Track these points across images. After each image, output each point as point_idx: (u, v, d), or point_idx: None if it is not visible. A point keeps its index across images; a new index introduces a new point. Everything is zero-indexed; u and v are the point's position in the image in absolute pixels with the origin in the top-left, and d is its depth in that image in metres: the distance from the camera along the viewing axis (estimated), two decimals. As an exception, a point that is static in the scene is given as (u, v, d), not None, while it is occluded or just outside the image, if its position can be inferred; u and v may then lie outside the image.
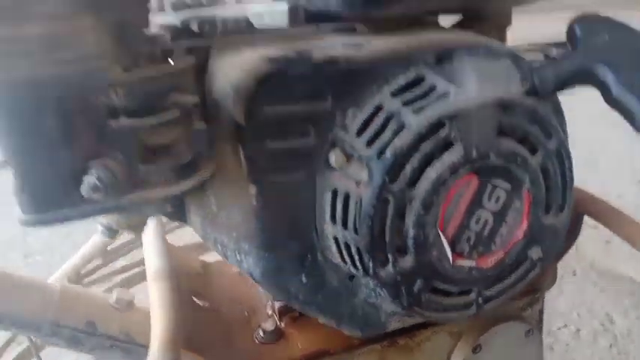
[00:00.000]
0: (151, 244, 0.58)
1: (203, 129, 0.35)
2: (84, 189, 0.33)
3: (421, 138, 0.35)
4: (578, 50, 0.36)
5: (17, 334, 0.79)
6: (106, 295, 0.63)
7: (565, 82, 0.36)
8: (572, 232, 0.59)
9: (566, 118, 0.43)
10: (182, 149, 0.35)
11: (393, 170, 0.35)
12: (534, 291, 0.59)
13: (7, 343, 0.83)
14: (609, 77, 0.34)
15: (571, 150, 0.41)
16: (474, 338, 0.56)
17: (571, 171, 0.40)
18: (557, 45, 0.41)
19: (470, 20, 0.46)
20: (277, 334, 0.55)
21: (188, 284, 0.64)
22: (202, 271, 0.70)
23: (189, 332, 0.54)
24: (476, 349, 0.56)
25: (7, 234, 1.66)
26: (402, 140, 0.35)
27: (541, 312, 0.60)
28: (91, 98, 0.31)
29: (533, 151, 0.37)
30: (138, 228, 0.42)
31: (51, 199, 0.33)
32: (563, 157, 0.39)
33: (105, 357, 0.57)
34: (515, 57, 0.38)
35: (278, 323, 0.56)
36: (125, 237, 0.92)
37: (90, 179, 0.33)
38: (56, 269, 1.48)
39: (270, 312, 0.59)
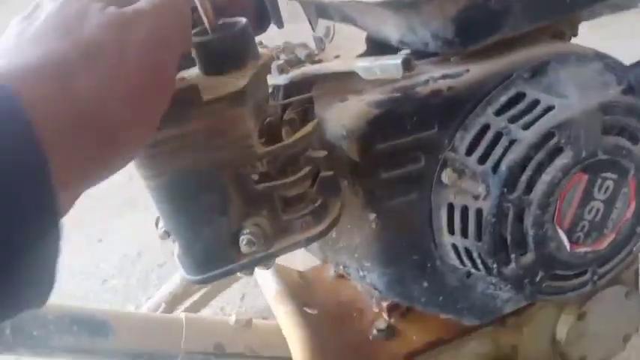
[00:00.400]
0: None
1: (331, 175, 0.39)
2: (242, 246, 0.37)
3: (533, 149, 0.38)
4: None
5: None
6: (225, 318, 0.69)
7: (662, 79, 0.38)
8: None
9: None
10: (314, 195, 0.39)
11: (510, 181, 0.39)
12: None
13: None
14: None
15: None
16: (579, 307, 0.59)
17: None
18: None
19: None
20: (391, 331, 0.60)
21: (296, 296, 0.69)
22: (301, 280, 0.75)
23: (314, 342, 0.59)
24: (581, 316, 0.59)
25: (80, 263, 1.74)
26: (516, 154, 0.38)
27: (637, 272, 0.62)
28: (241, 171, 0.35)
29: (634, 140, 0.40)
30: (270, 264, 0.46)
31: (212, 260, 0.38)
32: (661, 140, 0.41)
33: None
34: (604, 58, 0.41)
35: (388, 320, 0.60)
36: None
37: (245, 237, 0.37)
38: (133, 292, 1.56)
39: (376, 310, 0.63)
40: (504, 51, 0.42)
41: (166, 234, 0.39)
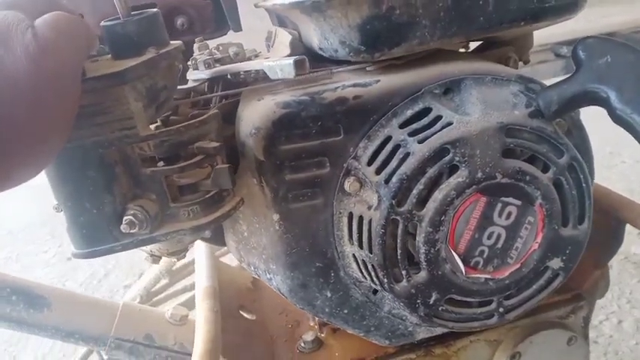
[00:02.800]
0: (200, 265, 0.63)
1: (225, 168, 0.39)
2: (122, 226, 0.37)
3: (426, 164, 0.37)
4: (581, 72, 0.36)
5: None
6: (163, 311, 0.69)
7: (570, 103, 0.36)
8: (616, 239, 0.57)
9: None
10: (207, 187, 0.39)
11: (400, 194, 0.37)
12: (578, 298, 0.58)
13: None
14: (612, 96, 0.34)
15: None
16: (513, 346, 0.56)
17: (587, 184, 0.40)
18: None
19: (489, 45, 0.47)
20: (317, 344, 0.58)
21: (237, 299, 0.69)
22: (252, 286, 0.74)
23: (232, 343, 0.58)
24: (514, 356, 0.56)
25: (49, 279, 1.77)
26: (407, 167, 0.37)
27: (586, 319, 0.58)
28: (127, 151, 0.36)
29: (544, 168, 0.38)
30: (177, 254, 0.46)
31: (96, 235, 0.38)
32: (577, 171, 0.39)
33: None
34: (524, 81, 0.39)
35: (318, 334, 0.59)
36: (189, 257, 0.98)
37: (127, 218, 0.37)
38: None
39: (311, 323, 0.62)
40: (421, 65, 0.41)
41: (58, 207, 0.40)
